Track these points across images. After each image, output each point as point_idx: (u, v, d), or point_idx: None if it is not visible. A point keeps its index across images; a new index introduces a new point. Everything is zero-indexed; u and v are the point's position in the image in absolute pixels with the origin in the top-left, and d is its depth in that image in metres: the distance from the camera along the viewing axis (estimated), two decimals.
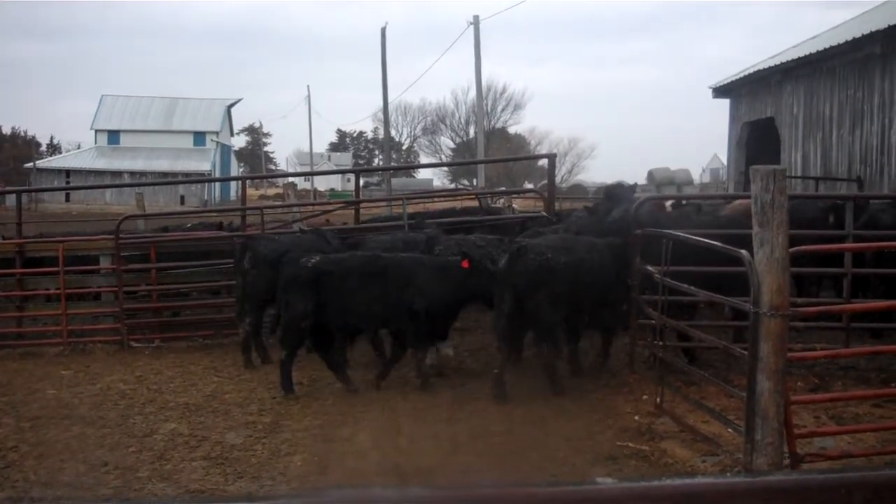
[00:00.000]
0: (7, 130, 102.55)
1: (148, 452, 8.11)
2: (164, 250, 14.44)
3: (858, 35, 18.84)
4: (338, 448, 8.33)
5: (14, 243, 14.71)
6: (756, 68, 24.80)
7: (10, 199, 45.17)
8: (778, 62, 23.30)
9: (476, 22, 42.62)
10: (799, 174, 21.52)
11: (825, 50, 20.37)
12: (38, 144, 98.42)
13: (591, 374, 10.45)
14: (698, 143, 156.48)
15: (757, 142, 25.06)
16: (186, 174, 72.98)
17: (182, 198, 71.25)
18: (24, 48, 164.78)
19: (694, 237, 8.99)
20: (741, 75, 25.62)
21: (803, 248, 7.77)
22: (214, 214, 22.87)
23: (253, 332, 11.97)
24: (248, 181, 21.84)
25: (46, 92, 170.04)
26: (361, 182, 19.47)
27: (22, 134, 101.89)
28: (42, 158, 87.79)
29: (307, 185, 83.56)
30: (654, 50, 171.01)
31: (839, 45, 19.62)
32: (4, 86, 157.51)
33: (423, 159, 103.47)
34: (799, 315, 7.72)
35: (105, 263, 14.28)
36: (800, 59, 21.75)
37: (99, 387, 10.88)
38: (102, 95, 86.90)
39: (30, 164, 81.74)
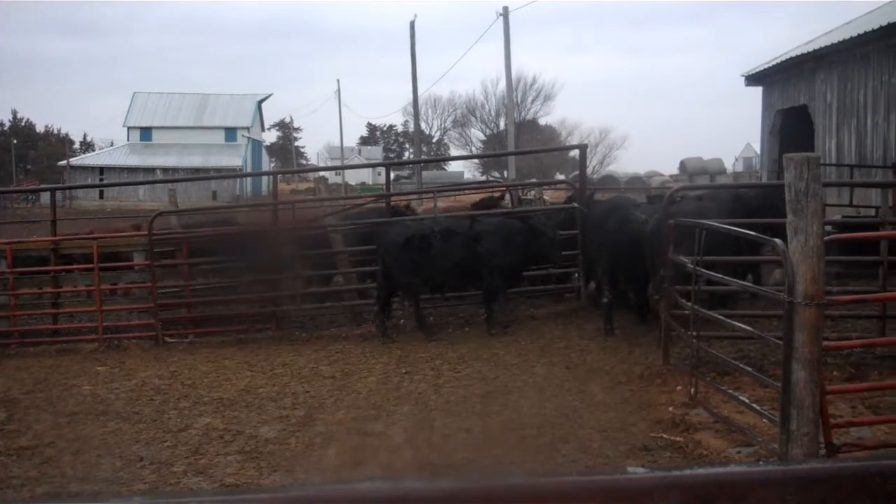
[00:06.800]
0: (41, 129, 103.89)
1: (183, 447, 8.15)
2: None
3: (894, 20, 18.58)
4: (371, 441, 8.35)
5: (49, 240, 14.83)
6: (788, 55, 24.52)
7: (45, 197, 45.70)
8: (811, 49, 23.03)
9: (505, 13, 42.50)
10: (833, 162, 21.27)
11: (858, 36, 20.09)
12: (72, 142, 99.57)
13: None
14: (731, 132, 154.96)
15: (790, 130, 24.77)
16: (218, 170, 73.39)
17: (214, 193, 71.60)
18: (57, 46, 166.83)
19: (727, 227, 8.92)
20: (773, 63, 25.34)
21: (838, 235, 7.68)
22: (246, 209, 23.00)
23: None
24: (279, 176, 21.95)
25: (79, 90, 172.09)
26: (392, 175, 19.45)
27: (55, 132, 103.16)
28: (75, 156, 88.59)
29: (338, 180, 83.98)
30: (685, 38, 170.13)
31: (873, 31, 19.35)
32: (38, 84, 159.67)
33: (454, 152, 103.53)
34: (834, 304, 7.63)
35: (139, 260, 14.38)
36: (833, 45, 21.47)
37: (134, 382, 10.97)
38: (134, 93, 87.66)
39: (63, 162, 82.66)
